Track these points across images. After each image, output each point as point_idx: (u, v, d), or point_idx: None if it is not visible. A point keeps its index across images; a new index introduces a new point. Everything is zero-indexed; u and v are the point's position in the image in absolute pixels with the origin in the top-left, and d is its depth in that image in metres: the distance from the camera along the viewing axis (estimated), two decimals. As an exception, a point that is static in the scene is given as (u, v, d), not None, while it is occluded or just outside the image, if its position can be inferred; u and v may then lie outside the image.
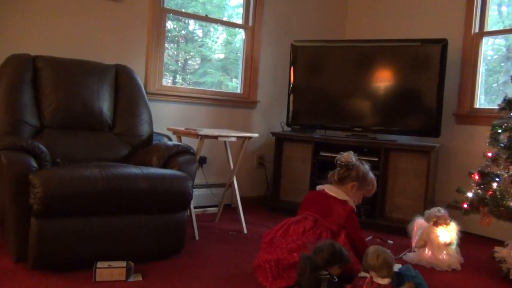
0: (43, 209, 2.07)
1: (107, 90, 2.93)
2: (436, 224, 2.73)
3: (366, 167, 2.53)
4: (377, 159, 3.47)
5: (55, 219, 2.13)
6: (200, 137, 2.90)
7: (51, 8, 3.05)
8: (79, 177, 2.17)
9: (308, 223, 2.32)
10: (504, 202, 2.53)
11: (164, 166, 2.61)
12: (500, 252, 2.60)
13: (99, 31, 3.24)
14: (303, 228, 2.30)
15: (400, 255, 2.80)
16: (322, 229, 2.30)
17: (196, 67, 4.23)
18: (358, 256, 2.24)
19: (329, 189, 2.47)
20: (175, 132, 3.13)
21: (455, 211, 2.86)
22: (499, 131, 2.71)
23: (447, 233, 2.70)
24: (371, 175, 2.54)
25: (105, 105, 2.89)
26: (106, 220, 2.25)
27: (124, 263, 2.15)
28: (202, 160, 3.69)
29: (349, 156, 2.49)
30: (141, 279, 2.16)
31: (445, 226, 2.72)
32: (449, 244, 2.69)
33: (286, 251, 2.19)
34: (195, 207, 3.09)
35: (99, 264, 2.12)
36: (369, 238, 3.14)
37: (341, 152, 2.52)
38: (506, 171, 2.64)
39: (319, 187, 2.55)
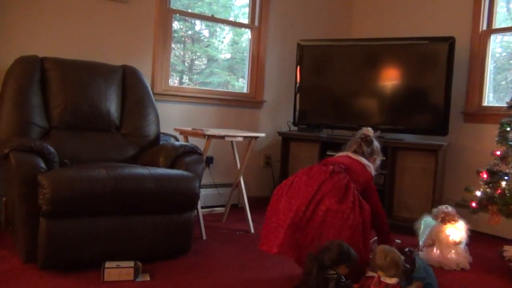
0: (51, 210, 2.09)
1: (114, 91, 2.94)
2: (444, 221, 2.71)
3: (376, 136, 2.67)
4: (384, 158, 3.44)
5: (64, 219, 2.15)
6: (207, 137, 2.91)
7: (58, 10, 3.07)
8: (87, 178, 2.19)
9: (337, 167, 2.31)
10: (513, 200, 2.52)
11: (171, 166, 2.62)
12: (509, 251, 2.58)
13: (106, 32, 3.26)
14: (332, 169, 2.28)
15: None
16: (350, 179, 2.29)
17: (203, 67, 4.24)
18: (374, 223, 2.30)
19: (353, 155, 2.52)
20: (182, 132, 3.14)
21: (463, 210, 2.84)
22: (508, 129, 2.69)
23: (457, 232, 2.68)
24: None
25: (113, 106, 2.91)
26: (114, 220, 2.26)
27: (132, 263, 2.16)
28: (209, 160, 3.70)
29: (371, 131, 2.62)
30: (149, 279, 2.18)
31: (453, 223, 2.70)
32: (459, 243, 2.67)
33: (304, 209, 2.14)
34: (202, 207, 3.09)
35: (107, 264, 2.14)
36: (376, 238, 3.13)
37: (362, 127, 2.65)
38: (515, 169, 2.62)
39: (341, 153, 2.59)
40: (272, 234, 2.20)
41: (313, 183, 2.21)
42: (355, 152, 2.55)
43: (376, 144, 2.60)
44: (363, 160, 2.50)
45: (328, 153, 3.69)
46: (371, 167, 2.51)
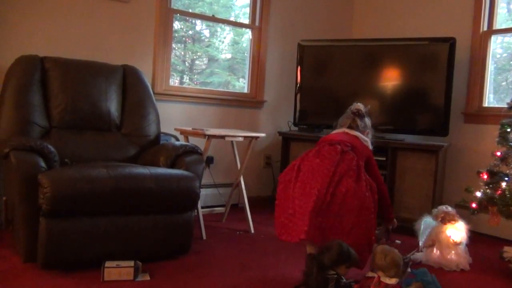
0: (52, 209, 2.09)
1: (114, 90, 2.94)
2: (444, 220, 2.71)
3: (367, 110, 2.68)
4: (384, 159, 3.45)
5: (64, 219, 2.15)
6: (207, 137, 2.91)
7: (59, 10, 3.07)
8: (88, 177, 2.19)
9: (345, 146, 2.32)
10: (513, 201, 2.52)
11: (172, 166, 2.62)
12: (509, 252, 2.58)
13: (106, 32, 3.26)
14: (341, 149, 2.28)
15: (408, 255, 2.78)
16: (358, 158, 2.30)
17: (203, 67, 4.24)
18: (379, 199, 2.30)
19: (348, 130, 2.53)
20: (182, 132, 3.14)
21: (463, 211, 2.84)
22: (508, 130, 2.70)
23: (457, 232, 2.68)
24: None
25: (113, 106, 2.91)
26: (114, 220, 2.26)
27: (132, 263, 2.16)
28: (209, 160, 3.70)
29: (361, 106, 2.63)
30: (148, 278, 2.18)
31: (453, 223, 2.70)
32: (459, 244, 2.67)
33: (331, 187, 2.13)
34: (202, 207, 3.09)
35: (107, 263, 2.14)
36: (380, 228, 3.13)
37: (353, 104, 2.64)
38: (515, 170, 2.62)
39: (336, 131, 2.59)
40: (291, 222, 2.16)
41: (328, 164, 2.19)
42: (350, 127, 2.55)
43: (367, 118, 2.62)
44: (361, 135, 2.52)
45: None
46: (368, 141, 2.54)
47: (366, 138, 2.54)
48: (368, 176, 2.32)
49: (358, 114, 2.58)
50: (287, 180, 2.28)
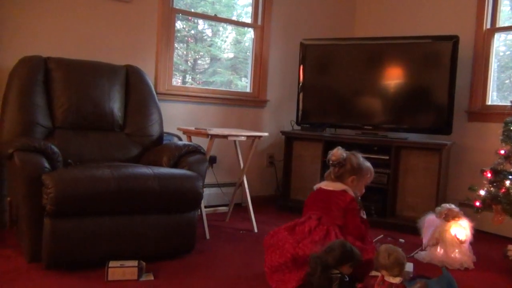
0: (56, 209, 2.10)
1: (117, 90, 2.95)
2: (447, 218, 2.70)
3: (358, 156, 2.49)
4: (387, 157, 3.45)
5: (68, 219, 2.16)
6: (210, 136, 2.91)
7: (61, 10, 3.08)
8: (91, 178, 2.20)
9: (313, 222, 2.30)
10: (518, 200, 2.51)
11: (175, 166, 2.63)
12: (514, 250, 2.57)
13: (109, 32, 3.26)
14: (309, 227, 2.28)
15: (412, 254, 2.78)
16: (329, 225, 2.27)
17: (206, 66, 4.24)
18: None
19: (326, 185, 2.45)
20: (185, 132, 3.14)
21: (467, 209, 2.83)
22: (512, 128, 2.68)
23: (461, 230, 2.67)
24: (365, 163, 2.49)
25: (116, 106, 2.92)
26: (117, 220, 2.27)
27: (136, 263, 2.17)
28: (212, 160, 3.70)
29: (338, 152, 2.44)
30: (152, 278, 2.18)
31: (456, 220, 2.69)
32: (464, 242, 2.66)
33: (299, 247, 2.16)
34: (205, 207, 3.10)
35: (111, 263, 2.14)
36: (380, 236, 3.13)
37: (329, 152, 2.48)
38: (519, 168, 2.61)
39: (316, 186, 2.53)
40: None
41: (293, 240, 2.22)
42: (328, 178, 2.47)
43: (350, 162, 2.42)
44: (338, 186, 2.40)
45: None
46: (349, 190, 2.39)
47: (344, 188, 2.38)
48: (349, 228, 2.31)
49: (334, 165, 2.43)
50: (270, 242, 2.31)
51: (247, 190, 3.23)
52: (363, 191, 2.53)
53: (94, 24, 3.20)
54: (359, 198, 2.51)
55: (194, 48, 4.11)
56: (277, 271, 2.18)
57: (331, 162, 2.45)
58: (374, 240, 2.33)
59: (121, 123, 2.95)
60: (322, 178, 3.63)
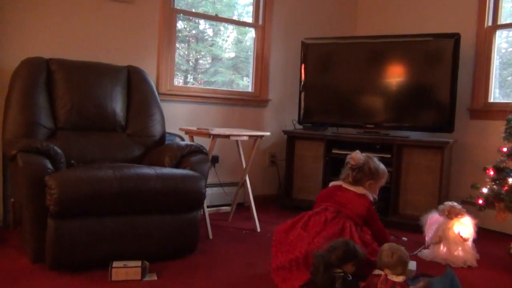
0: (59, 210, 2.10)
1: (119, 91, 2.95)
2: (450, 215, 2.70)
3: (374, 159, 2.52)
4: (389, 156, 3.45)
5: (71, 219, 2.16)
6: (212, 136, 2.91)
7: (63, 12, 3.08)
8: (94, 178, 2.20)
9: (330, 214, 2.30)
10: (521, 197, 2.51)
11: (177, 166, 2.63)
12: (517, 248, 2.57)
13: (110, 33, 3.27)
14: (325, 218, 2.28)
15: (415, 252, 2.78)
16: (345, 220, 2.28)
17: (207, 66, 4.25)
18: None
19: (346, 185, 2.47)
20: (187, 132, 3.15)
21: (470, 207, 2.83)
22: (514, 125, 2.68)
23: (464, 228, 2.67)
24: (381, 165, 2.53)
25: (118, 106, 2.92)
26: (120, 220, 2.28)
27: (139, 263, 2.17)
28: (215, 160, 3.71)
29: (358, 156, 2.47)
30: (156, 278, 2.18)
31: (459, 217, 2.69)
32: (467, 240, 2.66)
33: (313, 242, 2.16)
34: (208, 206, 3.10)
35: (115, 263, 2.15)
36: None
37: (349, 155, 2.50)
38: (522, 166, 2.60)
39: (334, 183, 2.55)
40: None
41: (308, 238, 2.20)
42: (346, 180, 2.48)
43: (368, 166, 2.46)
44: (357, 189, 2.43)
45: (333, 151, 3.69)
46: (367, 194, 2.43)
47: (363, 192, 2.42)
48: (372, 231, 2.35)
49: (353, 169, 2.45)
50: (279, 238, 2.32)
51: (249, 190, 3.23)
52: (377, 194, 2.56)
53: (96, 25, 3.21)
54: (376, 200, 2.54)
55: (195, 48, 4.11)
56: (284, 268, 2.18)
57: (349, 166, 2.46)
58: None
59: (123, 123, 2.95)
60: (324, 177, 3.67)
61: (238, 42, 4.21)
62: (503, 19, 3.62)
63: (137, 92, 3.03)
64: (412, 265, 2.37)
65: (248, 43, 4.17)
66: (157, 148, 2.90)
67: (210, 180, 3.36)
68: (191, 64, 4.15)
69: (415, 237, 3.04)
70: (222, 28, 4.12)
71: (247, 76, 4.17)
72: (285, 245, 2.25)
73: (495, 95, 3.66)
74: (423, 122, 3.57)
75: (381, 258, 1.94)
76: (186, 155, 2.66)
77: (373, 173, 2.47)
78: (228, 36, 4.19)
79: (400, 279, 1.89)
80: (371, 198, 2.46)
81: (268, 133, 3.27)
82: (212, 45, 4.14)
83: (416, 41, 3.62)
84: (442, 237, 2.69)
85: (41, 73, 2.73)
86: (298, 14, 4.23)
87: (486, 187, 2.73)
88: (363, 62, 3.80)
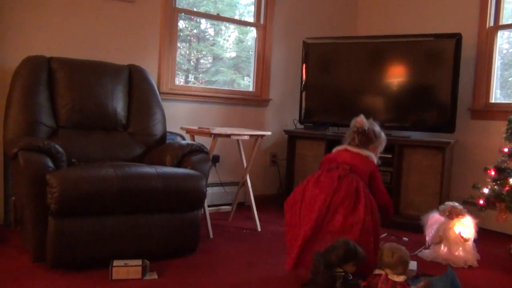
0: (60, 209, 2.11)
1: (120, 90, 2.96)
2: (451, 215, 2.70)
3: (376, 124, 2.56)
4: (391, 156, 3.44)
5: (72, 218, 2.16)
6: (213, 136, 2.92)
7: (65, 11, 3.09)
8: (95, 177, 2.20)
9: (343, 171, 2.30)
10: (521, 197, 2.50)
11: (178, 165, 2.63)
12: (518, 248, 2.57)
13: (112, 32, 3.27)
14: (338, 174, 2.28)
15: (416, 252, 2.78)
16: (358, 179, 2.29)
17: (208, 65, 4.25)
18: (380, 209, 2.33)
19: (351, 148, 2.48)
20: (188, 131, 3.15)
21: (471, 207, 2.83)
22: (516, 126, 2.68)
23: (465, 228, 2.67)
24: (382, 131, 2.58)
25: (119, 105, 2.92)
26: (121, 219, 2.28)
27: (140, 262, 2.18)
28: (215, 159, 3.71)
29: (364, 120, 2.52)
30: (156, 277, 2.19)
31: (460, 217, 2.68)
32: (468, 240, 2.66)
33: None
34: (209, 206, 3.10)
35: (116, 262, 2.15)
36: (384, 235, 3.12)
37: (353, 119, 2.54)
38: (523, 166, 2.60)
39: (337, 148, 2.55)
40: (289, 249, 2.28)
41: (324, 195, 2.21)
42: (352, 144, 2.50)
43: (372, 130, 2.52)
44: (363, 151, 2.46)
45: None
46: (372, 156, 2.47)
47: (369, 154, 2.46)
48: (372, 190, 2.36)
49: (358, 132, 2.49)
50: (293, 209, 2.33)
51: (250, 189, 3.23)
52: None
53: (97, 24, 3.21)
54: (379, 163, 2.57)
55: (196, 48, 4.11)
56: (295, 226, 2.22)
57: (355, 129, 2.50)
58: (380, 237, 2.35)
59: (124, 122, 2.95)
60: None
61: (239, 41, 4.21)
62: (504, 20, 3.62)
63: (138, 91, 3.03)
64: (413, 265, 2.37)
65: (249, 43, 4.17)
66: (158, 147, 2.91)
67: (211, 179, 3.37)
68: (192, 63, 4.15)
69: (416, 237, 3.04)
70: (223, 27, 4.12)
71: (248, 75, 4.17)
72: (306, 208, 2.24)
73: (496, 96, 3.66)
74: (424, 122, 3.57)
75: (381, 258, 1.94)
76: (187, 154, 2.66)
77: (377, 137, 2.52)
78: (229, 36, 4.19)
79: (400, 279, 1.90)
80: (375, 161, 2.49)
81: (269, 133, 3.27)
82: (213, 45, 4.14)
83: (417, 41, 3.61)
84: (443, 237, 2.69)
85: (43, 72, 2.73)
86: (299, 14, 4.23)
87: (487, 188, 2.73)
88: (364, 62, 3.80)
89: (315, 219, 2.16)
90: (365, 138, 2.49)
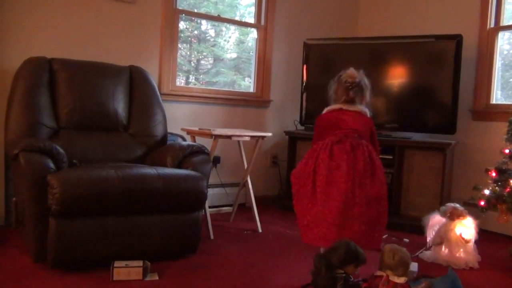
0: (61, 210, 2.11)
1: (121, 91, 2.96)
2: (452, 216, 2.70)
3: (362, 73, 2.44)
4: (391, 157, 3.44)
5: (73, 219, 2.17)
6: (214, 137, 2.92)
7: (66, 12, 3.09)
8: (96, 178, 2.20)
9: (353, 140, 2.29)
10: (522, 199, 2.50)
11: (179, 166, 2.63)
12: (519, 250, 2.56)
13: (113, 33, 3.27)
14: (350, 144, 2.26)
15: (416, 253, 2.78)
16: (367, 144, 2.30)
17: (209, 67, 4.25)
18: None
19: (346, 107, 2.39)
20: (189, 132, 3.15)
21: (472, 209, 2.83)
22: (517, 127, 2.68)
23: (466, 230, 2.67)
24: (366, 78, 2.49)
25: (120, 106, 2.92)
26: (122, 220, 2.28)
27: (140, 263, 2.18)
28: (216, 160, 3.71)
29: (355, 74, 2.40)
30: (157, 278, 2.19)
31: (461, 218, 2.68)
32: (469, 241, 2.66)
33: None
34: (209, 207, 3.10)
35: (116, 263, 2.15)
36: (384, 236, 3.12)
37: (342, 73, 2.42)
38: (524, 167, 2.60)
39: (331, 108, 2.45)
40: (315, 226, 2.25)
41: (346, 167, 2.22)
42: (346, 102, 2.39)
43: (364, 80, 2.41)
44: (359, 108, 2.38)
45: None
46: (367, 110, 2.42)
47: (364, 109, 2.39)
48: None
49: (352, 88, 2.35)
50: (303, 184, 2.31)
51: (251, 190, 3.23)
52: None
53: (98, 25, 3.21)
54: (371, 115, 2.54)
55: (197, 49, 4.11)
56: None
57: (348, 85, 2.37)
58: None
59: (125, 123, 2.96)
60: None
61: (240, 42, 4.21)
62: (505, 21, 3.62)
63: (139, 92, 3.04)
64: (414, 266, 2.37)
65: (250, 44, 4.18)
66: (159, 148, 2.91)
67: (212, 180, 3.37)
68: (193, 64, 4.15)
69: (417, 239, 3.04)
70: (224, 28, 4.12)
71: (249, 76, 4.17)
72: (332, 192, 2.23)
73: (497, 97, 3.66)
74: (425, 123, 3.57)
75: (382, 259, 1.94)
76: (188, 156, 2.67)
77: (368, 87, 2.43)
78: (230, 37, 4.19)
79: (401, 280, 1.89)
80: (369, 114, 2.44)
81: (269, 134, 3.27)
82: (214, 46, 4.14)
83: (418, 42, 3.61)
84: (443, 238, 2.69)
85: (44, 73, 2.73)
86: (300, 15, 4.24)
87: (488, 189, 2.73)
88: (365, 63, 3.77)
89: (344, 192, 2.16)
90: (359, 92, 2.38)
